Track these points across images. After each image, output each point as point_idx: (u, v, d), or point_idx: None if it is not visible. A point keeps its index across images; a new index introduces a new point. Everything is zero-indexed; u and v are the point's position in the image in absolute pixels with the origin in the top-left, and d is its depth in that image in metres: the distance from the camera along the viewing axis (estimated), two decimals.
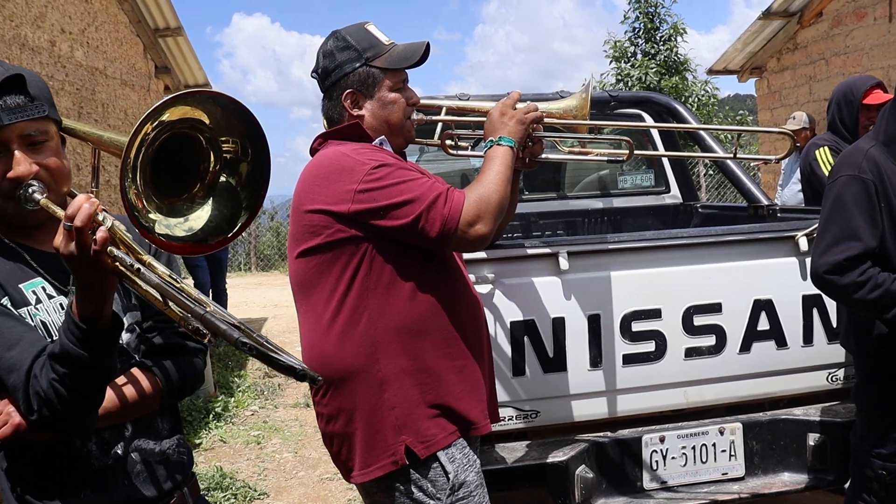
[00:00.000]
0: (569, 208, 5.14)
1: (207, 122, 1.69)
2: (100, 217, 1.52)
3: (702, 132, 4.36)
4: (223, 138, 1.72)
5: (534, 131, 2.55)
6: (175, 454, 1.94)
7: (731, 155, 2.82)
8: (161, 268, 1.56)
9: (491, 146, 2.41)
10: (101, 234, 1.51)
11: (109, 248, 1.54)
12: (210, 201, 1.75)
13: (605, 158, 2.84)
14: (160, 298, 1.58)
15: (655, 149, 5.11)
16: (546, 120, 2.58)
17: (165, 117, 1.62)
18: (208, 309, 1.49)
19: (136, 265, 1.53)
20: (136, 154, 1.57)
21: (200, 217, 1.74)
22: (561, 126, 2.69)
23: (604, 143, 2.97)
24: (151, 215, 1.66)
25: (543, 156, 2.66)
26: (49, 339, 1.72)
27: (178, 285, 1.55)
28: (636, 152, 2.73)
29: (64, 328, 1.60)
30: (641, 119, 5.00)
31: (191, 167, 1.74)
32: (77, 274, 1.55)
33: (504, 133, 2.42)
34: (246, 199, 1.77)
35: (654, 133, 5.09)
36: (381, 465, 2.30)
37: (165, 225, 1.69)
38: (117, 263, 1.55)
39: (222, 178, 1.75)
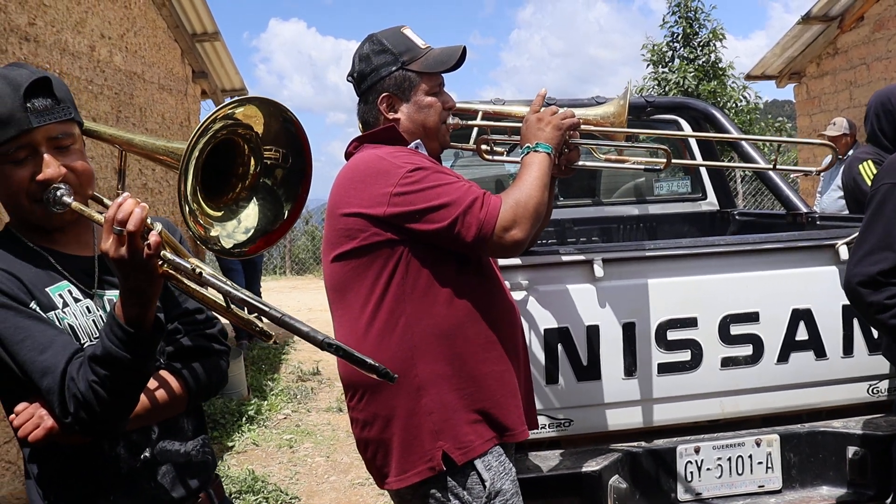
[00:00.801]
0: (604, 215, 5.10)
1: (260, 132, 1.74)
2: (147, 220, 1.54)
3: (734, 134, 4.31)
4: (267, 147, 1.76)
5: (570, 138, 2.53)
6: (200, 455, 1.94)
7: (771, 166, 2.77)
8: (208, 269, 1.58)
9: (528, 152, 2.40)
10: (154, 238, 1.53)
11: (162, 252, 1.55)
12: (253, 199, 1.80)
13: (643, 167, 2.80)
14: (221, 302, 1.60)
15: (693, 156, 5.05)
16: (583, 126, 2.56)
17: (239, 111, 1.68)
18: (286, 312, 1.52)
19: (198, 269, 1.55)
20: (191, 149, 1.61)
21: (250, 215, 1.79)
22: (598, 133, 2.67)
23: (641, 151, 2.93)
24: (213, 232, 1.71)
25: (580, 163, 2.64)
26: (78, 343, 1.73)
27: (243, 290, 1.57)
28: (673, 161, 2.69)
29: (106, 330, 1.60)
30: (678, 124, 4.95)
31: (226, 170, 1.76)
32: (125, 278, 1.55)
33: (541, 139, 2.41)
34: (284, 195, 1.81)
35: (692, 140, 5.04)
36: (418, 472, 2.28)
37: (227, 235, 1.75)
38: (166, 266, 1.57)
39: (261, 179, 1.80)
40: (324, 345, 1.48)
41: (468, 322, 2.31)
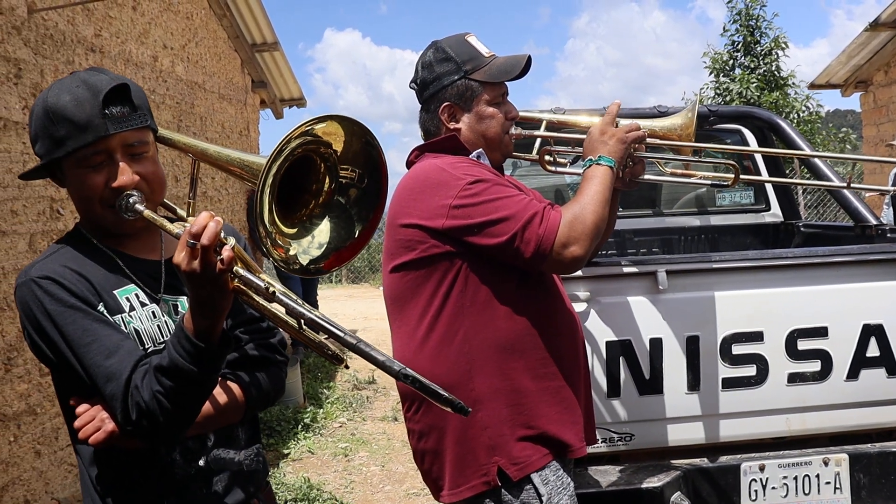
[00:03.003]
0: (665, 226, 5.02)
1: (339, 150, 1.73)
2: (221, 235, 1.53)
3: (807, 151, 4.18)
4: (344, 166, 1.75)
5: (635, 151, 2.48)
6: (253, 463, 1.93)
7: (845, 184, 2.68)
8: (280, 286, 1.56)
9: (590, 165, 2.35)
10: (227, 253, 1.52)
11: (235, 268, 1.54)
12: (326, 217, 1.79)
13: (709, 182, 2.73)
14: (293, 323, 1.59)
15: (756, 168, 4.94)
16: (648, 140, 2.50)
17: (319, 127, 1.66)
18: (361, 339, 1.49)
19: (272, 287, 1.53)
20: (270, 166, 1.60)
21: (323, 231, 1.78)
22: (664, 146, 2.60)
23: (706, 165, 2.85)
24: (291, 251, 1.69)
25: (644, 176, 2.58)
26: (142, 348, 1.74)
27: (316, 312, 1.55)
28: (741, 177, 2.61)
29: (174, 342, 1.60)
30: (741, 134, 4.85)
31: (300, 186, 1.75)
32: (196, 291, 1.55)
33: (604, 152, 2.36)
34: (357, 215, 1.80)
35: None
36: (472, 486, 2.25)
37: (303, 251, 1.74)
38: (237, 282, 1.56)
39: (335, 197, 1.78)
40: (400, 375, 1.45)
41: (528, 337, 2.27)
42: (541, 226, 2.16)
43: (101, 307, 1.73)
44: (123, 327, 1.74)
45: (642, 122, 2.50)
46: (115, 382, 1.63)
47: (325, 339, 1.63)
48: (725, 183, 2.65)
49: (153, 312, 1.81)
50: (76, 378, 1.70)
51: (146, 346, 1.76)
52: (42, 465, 4.31)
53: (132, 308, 1.78)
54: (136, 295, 1.80)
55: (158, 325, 1.81)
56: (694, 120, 2.53)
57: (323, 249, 1.76)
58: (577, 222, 2.18)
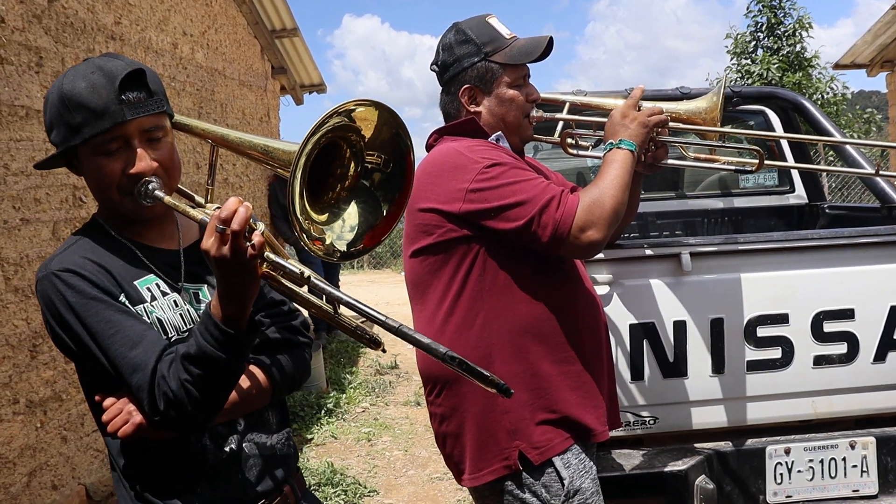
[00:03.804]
0: (687, 208, 4.97)
1: (368, 135, 1.69)
2: (251, 220, 1.52)
3: (837, 137, 4.12)
4: (370, 151, 1.72)
5: (658, 135, 2.44)
6: (284, 447, 1.93)
7: (874, 171, 2.64)
8: (311, 272, 1.55)
9: (611, 149, 2.32)
10: (257, 238, 1.50)
11: (266, 253, 1.53)
12: (353, 201, 1.75)
13: (734, 168, 2.69)
14: (328, 309, 1.58)
15: (781, 151, 4.88)
16: (671, 123, 2.46)
17: (357, 111, 1.63)
18: (403, 322, 1.48)
19: (305, 273, 1.52)
20: (301, 153, 1.57)
21: (352, 213, 1.74)
22: (687, 130, 2.56)
23: (730, 150, 2.80)
24: (327, 240, 1.68)
25: (667, 161, 2.54)
26: (166, 337, 1.73)
27: (352, 296, 1.53)
28: (766, 163, 2.57)
29: (201, 329, 1.58)
30: (765, 115, 4.80)
31: (325, 170, 1.73)
32: (225, 278, 1.54)
33: (625, 136, 2.33)
34: (382, 196, 1.77)
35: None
36: (493, 469, 2.25)
37: (337, 236, 1.70)
38: (266, 267, 1.55)
39: (361, 181, 1.75)
40: (446, 358, 1.44)
41: (547, 321, 2.26)
42: (558, 210, 2.14)
43: (122, 298, 1.72)
44: (146, 317, 1.73)
45: (666, 105, 2.47)
46: (140, 373, 1.62)
47: (361, 322, 1.61)
48: (750, 169, 2.62)
49: (175, 301, 1.80)
50: (100, 370, 1.70)
51: (169, 336, 1.75)
52: (69, 451, 4.35)
53: (153, 298, 1.77)
54: (157, 285, 1.79)
55: (181, 314, 1.80)
56: (719, 103, 2.48)
57: (355, 232, 1.72)
58: (595, 206, 2.15)
